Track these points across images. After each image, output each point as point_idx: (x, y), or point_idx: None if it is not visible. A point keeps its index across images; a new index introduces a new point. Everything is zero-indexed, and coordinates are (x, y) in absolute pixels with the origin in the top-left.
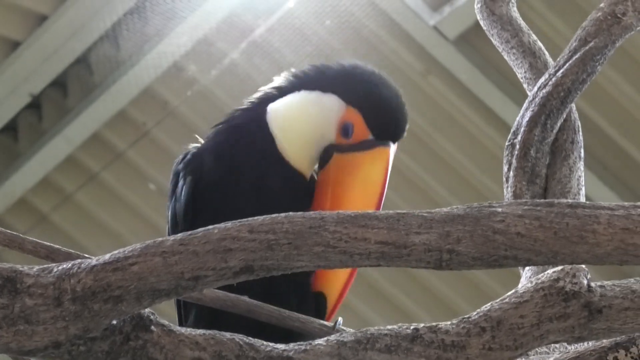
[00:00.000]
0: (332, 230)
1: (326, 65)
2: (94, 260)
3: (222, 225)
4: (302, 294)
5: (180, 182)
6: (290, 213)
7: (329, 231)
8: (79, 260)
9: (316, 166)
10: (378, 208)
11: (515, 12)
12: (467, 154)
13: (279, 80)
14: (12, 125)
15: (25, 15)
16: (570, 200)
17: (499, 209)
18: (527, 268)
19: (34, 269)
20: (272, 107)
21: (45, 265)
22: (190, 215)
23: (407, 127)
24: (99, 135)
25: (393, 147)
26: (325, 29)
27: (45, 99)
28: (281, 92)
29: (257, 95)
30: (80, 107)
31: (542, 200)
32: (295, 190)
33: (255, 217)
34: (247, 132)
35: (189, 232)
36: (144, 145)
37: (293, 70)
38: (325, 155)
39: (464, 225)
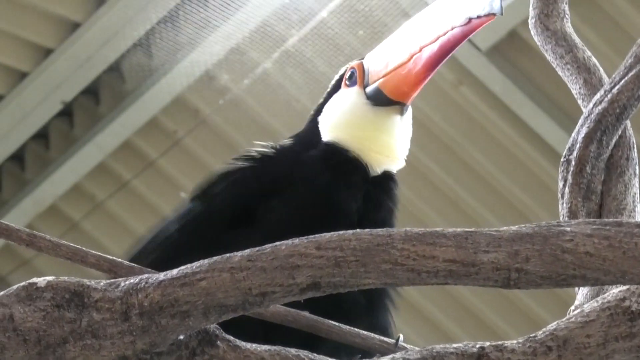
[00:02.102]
0: (400, 248)
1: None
2: (161, 275)
3: (289, 241)
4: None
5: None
6: (358, 230)
7: (397, 249)
8: (146, 275)
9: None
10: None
11: (569, 28)
12: (498, 165)
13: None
14: (43, 133)
15: (58, 22)
16: (638, 221)
17: (568, 228)
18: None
19: (101, 283)
20: (325, 135)
21: (112, 280)
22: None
23: None
24: (131, 143)
25: None
26: (358, 39)
27: (77, 107)
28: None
29: (310, 120)
30: (112, 115)
31: (611, 219)
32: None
33: (322, 234)
34: (333, 167)
35: (257, 248)
36: (175, 154)
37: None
38: (379, 99)
39: (532, 244)
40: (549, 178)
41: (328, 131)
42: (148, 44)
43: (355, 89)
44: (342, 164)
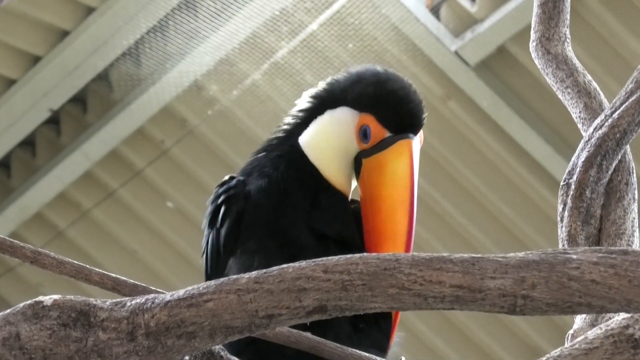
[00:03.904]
0: (407, 273)
1: (333, 79)
2: (167, 296)
3: (296, 264)
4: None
5: (222, 210)
6: (365, 254)
7: (404, 273)
8: (153, 295)
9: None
10: (412, 201)
11: (570, 52)
12: (485, 180)
13: (300, 106)
14: (30, 140)
15: (47, 30)
16: None
17: (574, 256)
18: None
19: (107, 303)
20: (302, 140)
21: (118, 299)
22: (230, 244)
23: (424, 116)
24: (118, 152)
25: (416, 138)
26: (347, 52)
27: (65, 115)
28: (304, 119)
29: (285, 125)
30: (99, 123)
31: (617, 248)
32: (344, 213)
33: (330, 257)
34: (292, 163)
35: (264, 270)
36: (162, 164)
37: (309, 93)
38: (357, 165)
39: (539, 271)
40: (535, 193)
41: (306, 145)
42: (137, 53)
43: (357, 146)
44: (299, 164)
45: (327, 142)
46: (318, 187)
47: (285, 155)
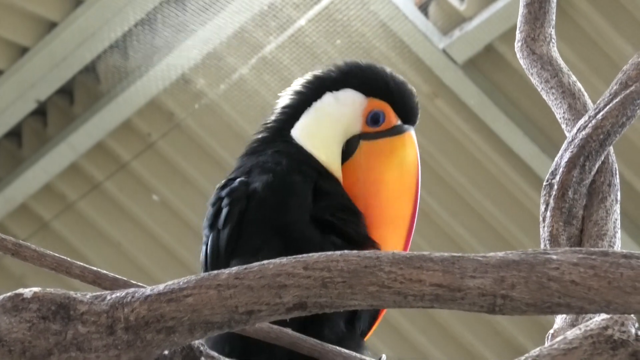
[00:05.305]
0: (387, 271)
1: (323, 71)
2: (147, 290)
3: (277, 260)
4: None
5: (224, 211)
6: (346, 251)
7: (384, 271)
8: (133, 289)
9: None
10: (417, 190)
11: (555, 52)
12: (471, 178)
13: (286, 99)
14: (16, 131)
15: (35, 21)
16: (624, 251)
17: (554, 256)
18: None
19: (87, 296)
20: (296, 132)
21: (98, 293)
22: (232, 245)
23: None
24: (104, 144)
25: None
26: (335, 48)
27: (51, 106)
28: (292, 113)
29: (272, 122)
30: (86, 115)
31: (597, 249)
32: (345, 198)
33: (311, 254)
34: (290, 157)
35: (244, 266)
36: (148, 157)
37: (294, 87)
38: (350, 146)
39: (518, 271)
40: (520, 192)
41: (301, 135)
42: (125, 46)
43: (361, 128)
44: (298, 156)
45: (328, 123)
46: (318, 177)
47: (283, 151)
